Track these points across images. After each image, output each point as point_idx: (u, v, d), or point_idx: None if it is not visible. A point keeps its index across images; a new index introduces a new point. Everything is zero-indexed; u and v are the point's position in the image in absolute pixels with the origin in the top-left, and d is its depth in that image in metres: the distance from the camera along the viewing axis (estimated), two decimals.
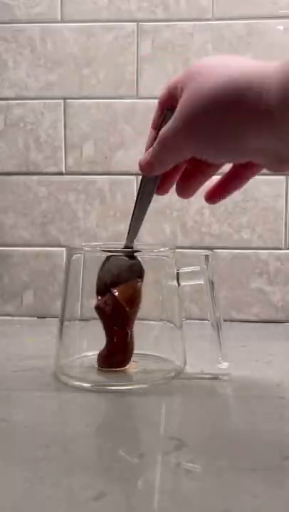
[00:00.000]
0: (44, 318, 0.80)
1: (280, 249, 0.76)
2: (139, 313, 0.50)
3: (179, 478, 0.32)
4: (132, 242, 0.50)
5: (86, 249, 0.53)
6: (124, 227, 0.81)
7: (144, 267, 0.50)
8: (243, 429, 0.40)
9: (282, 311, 0.77)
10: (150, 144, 0.46)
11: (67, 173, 0.80)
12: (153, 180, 0.47)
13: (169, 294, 0.51)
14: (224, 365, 0.50)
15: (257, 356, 0.59)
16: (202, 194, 0.48)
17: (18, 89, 0.80)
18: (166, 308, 0.51)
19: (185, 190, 0.48)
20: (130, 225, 0.50)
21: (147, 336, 0.51)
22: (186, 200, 0.68)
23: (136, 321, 0.50)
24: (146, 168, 0.45)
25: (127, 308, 0.48)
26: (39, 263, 0.80)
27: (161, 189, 0.48)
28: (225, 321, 0.51)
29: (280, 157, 0.40)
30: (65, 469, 0.33)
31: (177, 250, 0.52)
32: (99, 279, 0.50)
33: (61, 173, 0.80)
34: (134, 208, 0.49)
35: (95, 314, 0.50)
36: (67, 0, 0.78)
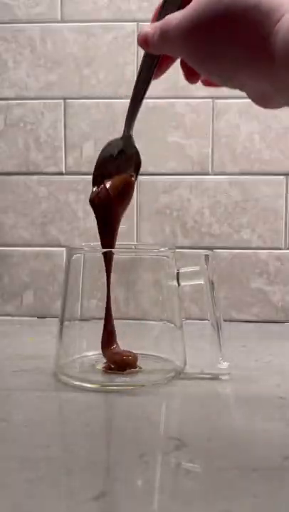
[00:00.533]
0: (44, 318, 0.80)
1: (280, 249, 0.76)
2: (140, 313, 0.50)
3: (179, 478, 0.32)
4: (131, 128, 0.49)
5: (86, 249, 0.53)
6: (124, 227, 0.81)
7: (144, 267, 0.50)
8: (243, 429, 0.40)
9: (282, 311, 0.77)
10: (156, 13, 0.44)
11: (67, 173, 0.80)
12: (153, 57, 0.45)
13: (169, 294, 0.51)
14: (224, 365, 0.50)
15: (257, 356, 0.59)
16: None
17: (18, 89, 0.80)
18: (166, 308, 0.51)
19: (189, 75, 0.45)
20: (128, 108, 0.48)
21: (147, 336, 0.51)
22: (186, 200, 0.68)
23: (135, 322, 0.50)
24: (141, 43, 0.43)
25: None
26: (39, 263, 0.80)
27: (160, 69, 0.47)
28: (225, 321, 0.51)
29: (265, 95, 0.39)
30: (65, 469, 0.33)
31: (177, 250, 0.52)
32: (96, 167, 0.49)
33: (61, 173, 0.80)
34: (134, 89, 0.47)
35: (95, 314, 0.50)
36: (67, 0, 0.78)
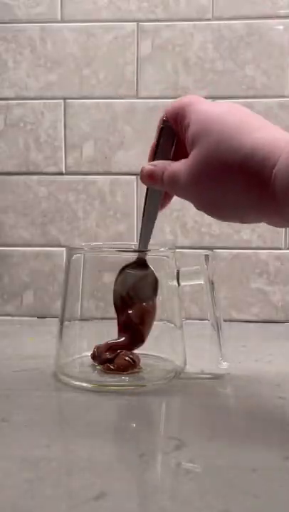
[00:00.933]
0: (44, 318, 0.80)
1: (280, 249, 0.76)
2: None
3: (179, 478, 0.32)
4: (146, 247, 0.50)
5: (86, 249, 0.53)
6: (124, 227, 0.81)
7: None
8: (243, 429, 0.40)
9: (282, 311, 0.77)
10: (152, 153, 0.46)
11: (67, 173, 0.80)
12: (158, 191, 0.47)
13: (169, 294, 0.51)
14: (224, 365, 0.50)
15: (257, 356, 0.59)
16: None
17: (18, 89, 0.80)
18: (166, 308, 0.51)
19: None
20: (141, 230, 0.49)
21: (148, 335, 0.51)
22: (186, 200, 0.67)
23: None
24: (144, 180, 0.45)
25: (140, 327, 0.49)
26: (39, 263, 0.80)
27: (163, 203, 0.48)
28: (225, 321, 0.51)
29: (277, 224, 0.40)
30: (65, 469, 0.33)
31: (177, 250, 0.52)
32: (115, 294, 0.50)
33: (61, 173, 0.80)
34: (143, 214, 0.48)
35: (94, 314, 0.50)
36: (67, 0, 0.78)
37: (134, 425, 0.40)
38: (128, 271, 0.50)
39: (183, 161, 0.41)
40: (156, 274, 0.50)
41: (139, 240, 0.49)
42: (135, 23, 0.77)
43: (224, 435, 0.38)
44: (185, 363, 0.51)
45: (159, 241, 0.77)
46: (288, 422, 0.41)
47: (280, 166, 0.35)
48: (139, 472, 0.33)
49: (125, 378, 0.48)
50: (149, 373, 0.50)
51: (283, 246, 0.76)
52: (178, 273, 0.50)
